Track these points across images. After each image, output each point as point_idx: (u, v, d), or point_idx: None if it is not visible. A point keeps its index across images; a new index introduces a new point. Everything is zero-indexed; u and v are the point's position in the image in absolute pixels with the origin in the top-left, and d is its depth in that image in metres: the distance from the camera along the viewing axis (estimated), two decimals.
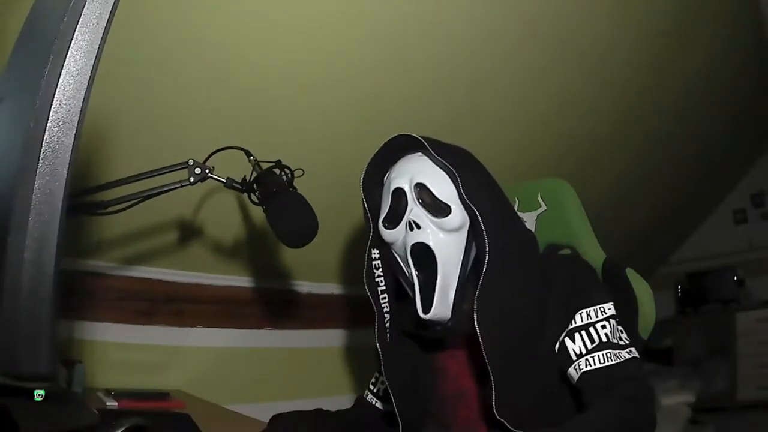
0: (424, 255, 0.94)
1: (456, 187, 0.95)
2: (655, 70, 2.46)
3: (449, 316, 0.94)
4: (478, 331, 0.89)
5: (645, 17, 2.16)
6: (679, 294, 4.31)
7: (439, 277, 0.93)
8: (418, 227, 0.94)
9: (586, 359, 0.90)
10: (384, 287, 1.04)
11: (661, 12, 2.22)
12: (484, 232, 0.91)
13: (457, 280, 0.94)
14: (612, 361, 0.89)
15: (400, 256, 0.99)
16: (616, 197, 2.95)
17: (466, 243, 0.95)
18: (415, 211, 0.95)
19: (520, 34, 1.81)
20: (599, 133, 2.51)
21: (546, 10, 1.79)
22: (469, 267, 0.95)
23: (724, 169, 4.05)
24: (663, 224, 3.89)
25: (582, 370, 0.90)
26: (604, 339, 0.91)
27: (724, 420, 3.24)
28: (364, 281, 1.03)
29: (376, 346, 1.05)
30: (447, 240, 0.94)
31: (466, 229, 0.95)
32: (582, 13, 1.91)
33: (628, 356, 0.90)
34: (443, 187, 0.96)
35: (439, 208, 0.95)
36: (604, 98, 2.34)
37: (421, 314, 0.94)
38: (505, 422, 0.89)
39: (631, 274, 1.12)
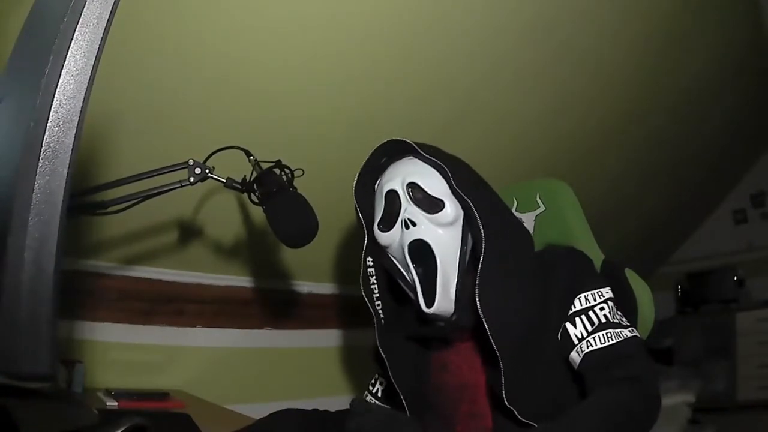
0: (422, 252, 0.95)
1: (447, 182, 0.97)
2: (655, 70, 2.46)
3: (452, 310, 0.95)
4: (482, 317, 0.90)
5: (645, 17, 2.16)
6: (679, 294, 4.31)
7: (439, 271, 0.94)
8: (414, 225, 0.95)
9: (587, 341, 0.91)
10: (378, 294, 1.05)
11: (661, 12, 2.22)
12: (479, 220, 0.93)
13: (456, 273, 0.95)
14: (613, 340, 0.90)
15: (397, 258, 1.00)
16: (616, 197, 2.95)
17: (462, 236, 0.96)
18: (409, 209, 0.97)
19: (520, 34, 1.81)
20: (599, 134, 2.51)
21: (546, 10, 1.79)
22: (467, 260, 0.97)
23: (724, 169, 4.05)
24: (663, 224, 3.89)
25: (583, 352, 0.91)
26: (603, 320, 0.92)
27: (724, 420, 3.24)
28: (362, 290, 1.05)
29: (375, 348, 1.05)
30: (443, 235, 0.95)
31: (461, 222, 0.97)
32: (582, 13, 1.91)
33: (629, 334, 0.91)
34: (435, 184, 0.97)
35: (432, 204, 0.96)
36: (604, 98, 2.34)
37: (424, 309, 0.95)
38: (514, 410, 0.89)
39: (630, 275, 1.12)
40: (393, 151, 1.03)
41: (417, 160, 1.00)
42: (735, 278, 4.07)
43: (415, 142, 0.99)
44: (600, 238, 1.23)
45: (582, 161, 2.54)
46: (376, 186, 1.05)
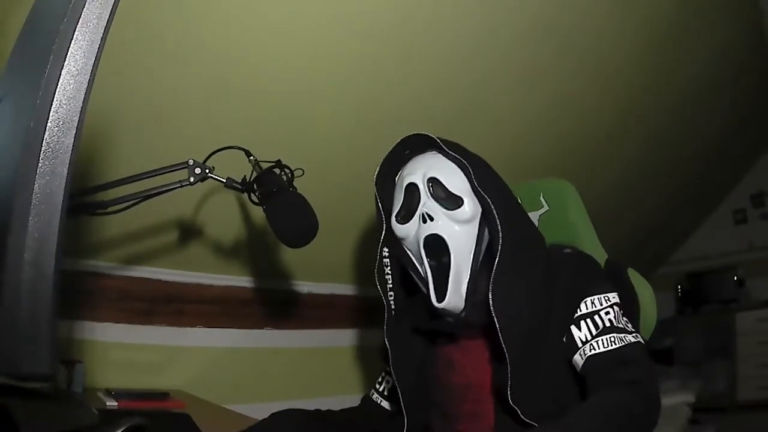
0: (437, 246, 0.96)
1: (468, 179, 0.98)
2: (655, 70, 2.46)
3: (462, 306, 0.96)
4: (494, 315, 0.90)
5: (645, 17, 2.16)
6: (679, 294, 4.31)
7: (452, 267, 0.95)
8: (431, 219, 0.96)
9: (591, 344, 0.92)
10: (391, 285, 1.06)
11: (662, 12, 2.22)
12: (497, 220, 0.94)
13: (469, 270, 0.96)
14: (616, 344, 0.90)
15: (412, 251, 1.01)
16: (616, 197, 2.95)
17: (478, 234, 0.97)
18: (428, 204, 0.98)
19: (520, 34, 1.81)
20: (599, 134, 2.51)
21: (546, 10, 1.79)
22: (481, 258, 0.97)
23: (724, 169, 4.05)
24: (663, 224, 3.89)
25: (587, 355, 0.91)
26: (608, 324, 0.93)
27: (724, 420, 3.25)
28: (375, 278, 1.06)
29: (383, 344, 1.05)
30: (459, 231, 0.96)
31: (478, 220, 0.97)
32: (582, 13, 1.91)
33: (633, 339, 0.92)
34: (455, 180, 0.98)
35: (451, 200, 0.97)
36: (604, 98, 2.34)
37: (435, 303, 0.96)
38: (517, 410, 0.90)
39: (633, 275, 1.12)
40: (416, 144, 1.04)
41: (440, 155, 1.01)
42: (735, 278, 4.07)
43: (439, 138, 1.00)
44: (600, 238, 1.23)
45: (582, 161, 2.54)
46: (396, 178, 1.06)
